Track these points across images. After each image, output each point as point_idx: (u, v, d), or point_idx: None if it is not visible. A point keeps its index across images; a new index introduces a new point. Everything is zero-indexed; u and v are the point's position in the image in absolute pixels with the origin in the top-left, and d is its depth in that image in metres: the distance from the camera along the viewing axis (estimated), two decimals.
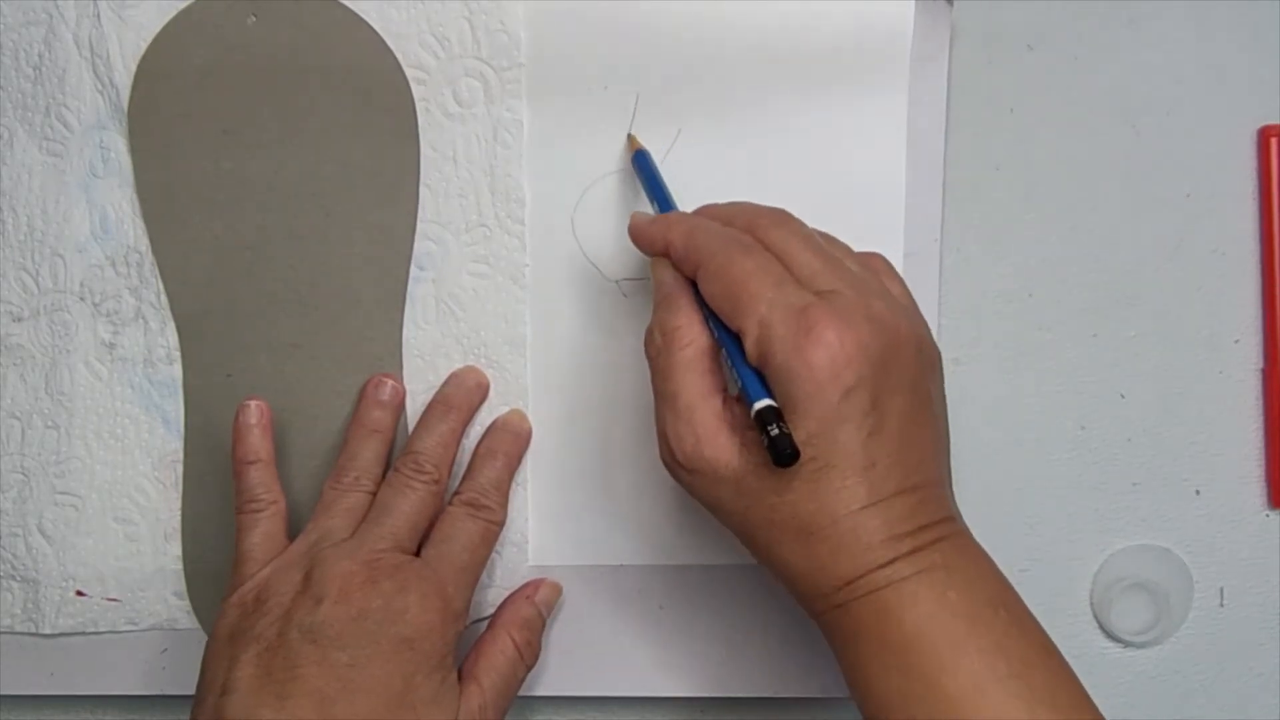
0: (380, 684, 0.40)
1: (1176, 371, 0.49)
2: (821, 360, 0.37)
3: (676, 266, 0.41)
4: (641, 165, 0.47)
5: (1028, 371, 0.49)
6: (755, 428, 0.37)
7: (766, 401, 0.37)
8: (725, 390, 0.40)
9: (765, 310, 0.38)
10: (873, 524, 0.37)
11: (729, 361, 0.39)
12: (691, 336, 0.40)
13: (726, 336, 0.39)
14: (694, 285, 0.41)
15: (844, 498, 0.37)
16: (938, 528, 0.38)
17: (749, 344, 0.38)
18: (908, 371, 0.38)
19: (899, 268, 0.47)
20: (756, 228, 0.41)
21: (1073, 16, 0.49)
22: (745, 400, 0.38)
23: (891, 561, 0.37)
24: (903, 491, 0.37)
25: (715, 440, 0.39)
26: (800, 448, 0.36)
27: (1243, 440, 0.49)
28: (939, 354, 0.41)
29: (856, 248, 0.47)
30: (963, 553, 0.38)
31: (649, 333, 0.41)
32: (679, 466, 0.40)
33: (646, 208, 0.46)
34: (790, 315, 0.37)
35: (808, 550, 0.38)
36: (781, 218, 0.41)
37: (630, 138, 0.48)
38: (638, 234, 0.43)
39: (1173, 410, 0.49)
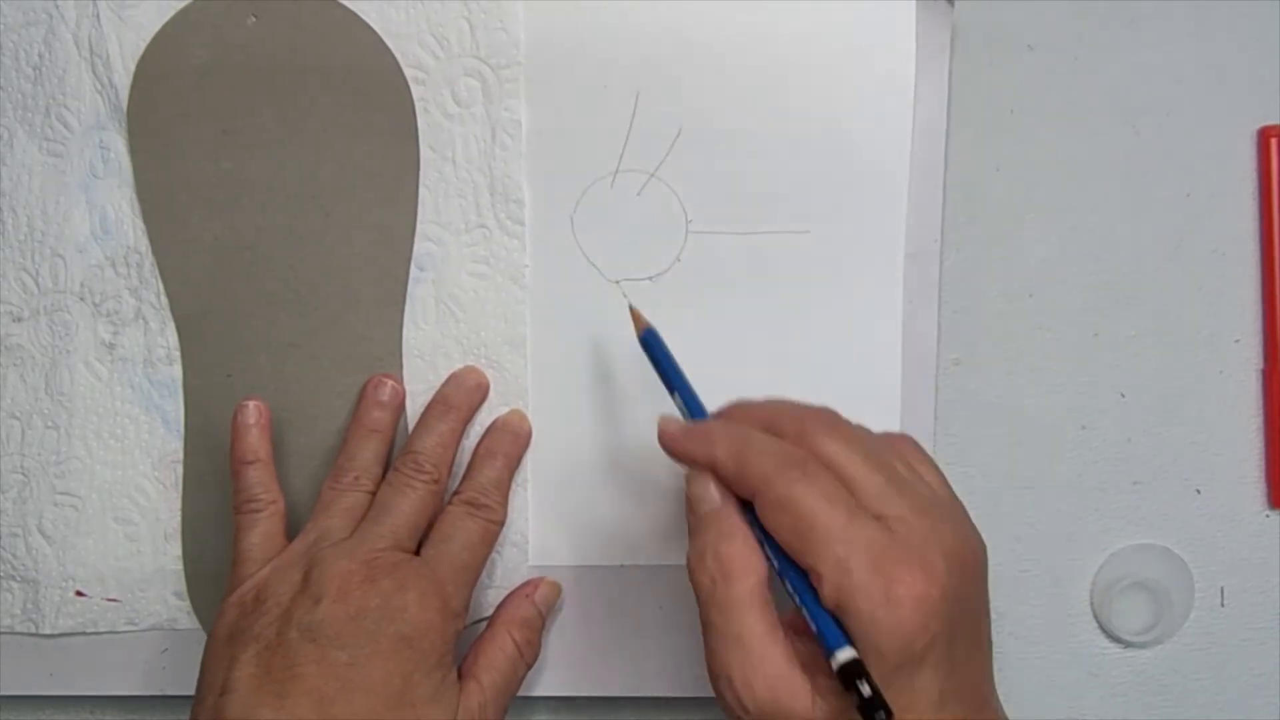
0: (379, 683, 0.40)
1: (1176, 371, 0.49)
2: (908, 613, 0.35)
3: (724, 484, 0.38)
4: (653, 347, 0.44)
5: (1028, 371, 0.49)
6: (828, 671, 0.35)
7: (851, 653, 0.35)
8: (778, 619, 0.38)
9: (842, 551, 0.35)
10: None
11: (795, 597, 0.37)
12: (751, 566, 0.37)
13: (791, 570, 0.37)
14: (742, 504, 0.38)
15: None
16: None
17: (825, 588, 0.36)
18: (976, 600, 0.38)
19: (899, 268, 0.48)
20: (806, 436, 0.38)
21: (1073, 16, 0.49)
22: (821, 644, 0.36)
23: None
24: (968, 718, 0.37)
25: (790, 689, 0.36)
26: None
27: (1243, 440, 0.49)
28: (985, 549, 0.39)
29: (856, 248, 0.48)
30: None
31: (699, 558, 0.38)
32: (745, 713, 0.37)
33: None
34: (870, 560, 0.35)
35: None
36: (830, 421, 0.39)
37: (633, 313, 0.44)
38: (673, 445, 0.40)
39: (1173, 410, 0.49)
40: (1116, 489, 0.49)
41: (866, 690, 0.34)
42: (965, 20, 0.49)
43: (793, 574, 0.37)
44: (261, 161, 0.48)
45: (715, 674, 0.38)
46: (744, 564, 0.37)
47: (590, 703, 0.50)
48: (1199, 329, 0.49)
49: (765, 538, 0.38)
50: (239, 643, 0.41)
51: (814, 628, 0.36)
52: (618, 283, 0.48)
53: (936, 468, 0.41)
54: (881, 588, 0.35)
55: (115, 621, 0.50)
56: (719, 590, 0.37)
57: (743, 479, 0.38)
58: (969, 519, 0.39)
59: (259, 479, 0.46)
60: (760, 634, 0.37)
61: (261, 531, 0.45)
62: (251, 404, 0.47)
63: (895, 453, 0.40)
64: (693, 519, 0.39)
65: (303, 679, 0.40)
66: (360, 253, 0.48)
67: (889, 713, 0.34)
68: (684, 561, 0.48)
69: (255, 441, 0.47)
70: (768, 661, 0.36)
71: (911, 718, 0.35)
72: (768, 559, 0.38)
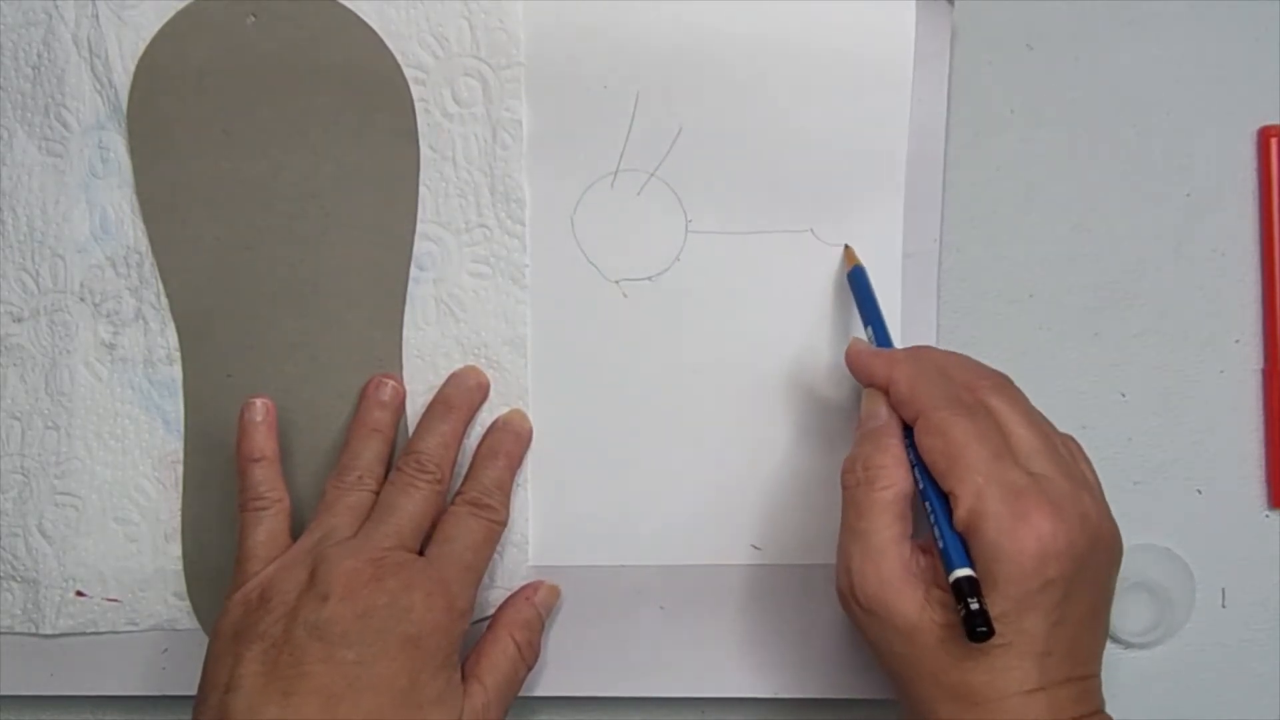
0: (386, 682, 0.40)
1: (1176, 371, 0.49)
2: (1031, 548, 0.37)
3: (893, 406, 0.42)
4: (859, 283, 0.46)
5: (1028, 371, 0.49)
6: (944, 586, 0.38)
7: (968, 572, 0.37)
8: (913, 537, 0.41)
9: (982, 482, 0.38)
10: (1037, 708, 0.37)
11: (931, 516, 0.39)
12: (894, 479, 0.40)
13: (934, 492, 0.40)
14: (904, 428, 0.41)
15: (1015, 678, 0.37)
16: (1092, 719, 0.39)
17: (960, 510, 0.38)
18: (1100, 571, 0.39)
19: (898, 268, 0.48)
20: (979, 389, 0.41)
21: (1073, 16, 0.49)
22: (944, 561, 0.38)
23: None
24: (1070, 680, 0.38)
25: (900, 589, 0.39)
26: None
27: (1243, 440, 0.49)
28: (1123, 549, 0.41)
29: (857, 248, 0.48)
30: None
31: (850, 462, 0.41)
32: (856, 604, 0.40)
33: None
34: (1007, 494, 0.38)
35: (966, 717, 0.38)
36: (1002, 382, 0.42)
37: (847, 249, 0.47)
38: (857, 363, 0.44)
39: (1173, 410, 0.49)
40: (1116, 489, 0.49)
41: (975, 604, 0.36)
42: (965, 20, 0.49)
43: (934, 495, 0.39)
44: (261, 161, 0.48)
45: (839, 566, 0.41)
46: (889, 475, 0.40)
47: (590, 703, 0.50)
48: (1199, 329, 0.49)
49: (917, 462, 0.40)
50: (244, 640, 0.41)
51: (940, 545, 0.39)
52: (618, 283, 0.48)
53: (1094, 470, 0.43)
54: (1011, 519, 0.37)
55: (115, 621, 0.50)
56: (860, 492, 0.41)
57: (912, 402, 0.41)
58: (1113, 518, 0.41)
59: (265, 477, 0.46)
60: (886, 536, 0.40)
61: (267, 529, 0.45)
62: (259, 401, 0.47)
63: (1061, 438, 0.42)
64: (859, 432, 0.42)
65: (310, 677, 0.40)
66: (360, 253, 0.48)
67: (991, 629, 0.36)
68: (684, 562, 0.49)
69: (262, 439, 0.47)
70: (886, 560, 0.39)
71: (1013, 658, 0.37)
72: (916, 481, 0.40)
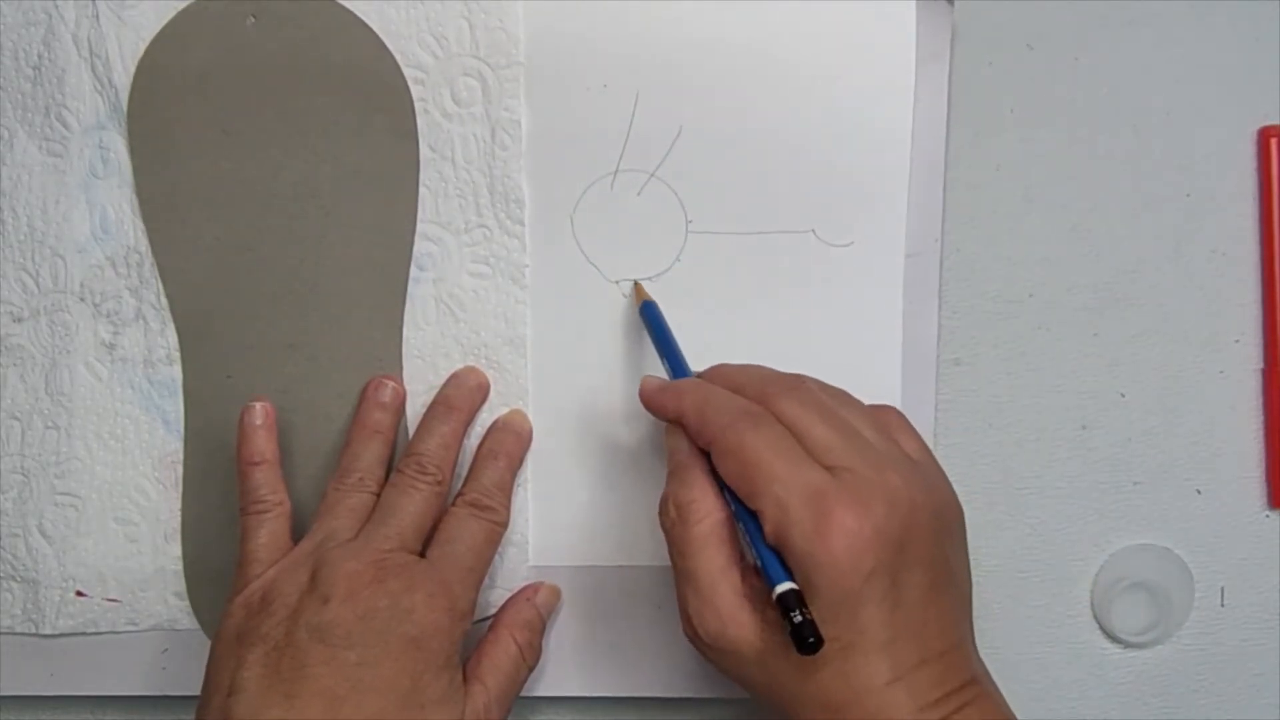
0: (389, 683, 0.41)
1: (1176, 371, 0.49)
2: (840, 547, 0.37)
3: (691, 437, 0.41)
4: (650, 318, 0.46)
5: (1028, 371, 0.49)
6: (776, 606, 0.37)
7: (789, 585, 0.37)
8: (743, 560, 0.40)
9: (780, 492, 0.38)
10: (898, 699, 0.37)
11: (746, 538, 0.39)
12: (706, 510, 0.40)
13: (744, 512, 0.39)
14: (708, 456, 0.41)
15: (868, 675, 0.37)
16: (962, 693, 0.38)
17: (766, 526, 0.38)
18: (925, 545, 0.38)
19: (899, 268, 0.48)
20: (767, 397, 0.40)
21: (1073, 16, 0.49)
22: (765, 579, 0.38)
23: None
24: (924, 662, 0.38)
25: (737, 619, 0.39)
26: (820, 629, 0.36)
27: (1243, 440, 0.49)
28: (959, 511, 0.41)
29: (857, 248, 0.48)
30: (986, 714, 0.38)
31: (663, 503, 0.41)
32: (704, 645, 0.40)
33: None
34: (806, 499, 0.37)
35: None
36: (793, 383, 0.41)
37: (636, 286, 0.48)
38: (649, 401, 0.43)
39: (1173, 410, 0.49)
40: (1116, 489, 0.49)
41: (798, 617, 0.36)
42: (965, 20, 0.49)
43: (745, 517, 0.39)
44: (261, 161, 0.48)
45: (680, 610, 0.41)
46: (699, 508, 0.40)
47: (590, 703, 0.50)
48: (1199, 329, 0.49)
49: (725, 487, 0.40)
50: (246, 643, 0.41)
51: (760, 564, 0.38)
52: (618, 283, 0.48)
53: (919, 438, 0.43)
54: (814, 523, 0.37)
55: (115, 622, 0.50)
56: (676, 532, 0.41)
57: (702, 429, 0.41)
58: (943, 481, 0.41)
59: (265, 480, 0.46)
60: (712, 570, 0.40)
61: (268, 532, 0.45)
62: (258, 405, 0.47)
63: (871, 420, 0.41)
64: (667, 472, 0.42)
65: (313, 679, 0.40)
66: (360, 253, 0.48)
67: (819, 639, 0.36)
68: None
69: (262, 442, 0.47)
70: (717, 595, 0.39)
71: (859, 656, 0.37)
72: (729, 505, 0.40)
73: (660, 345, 0.46)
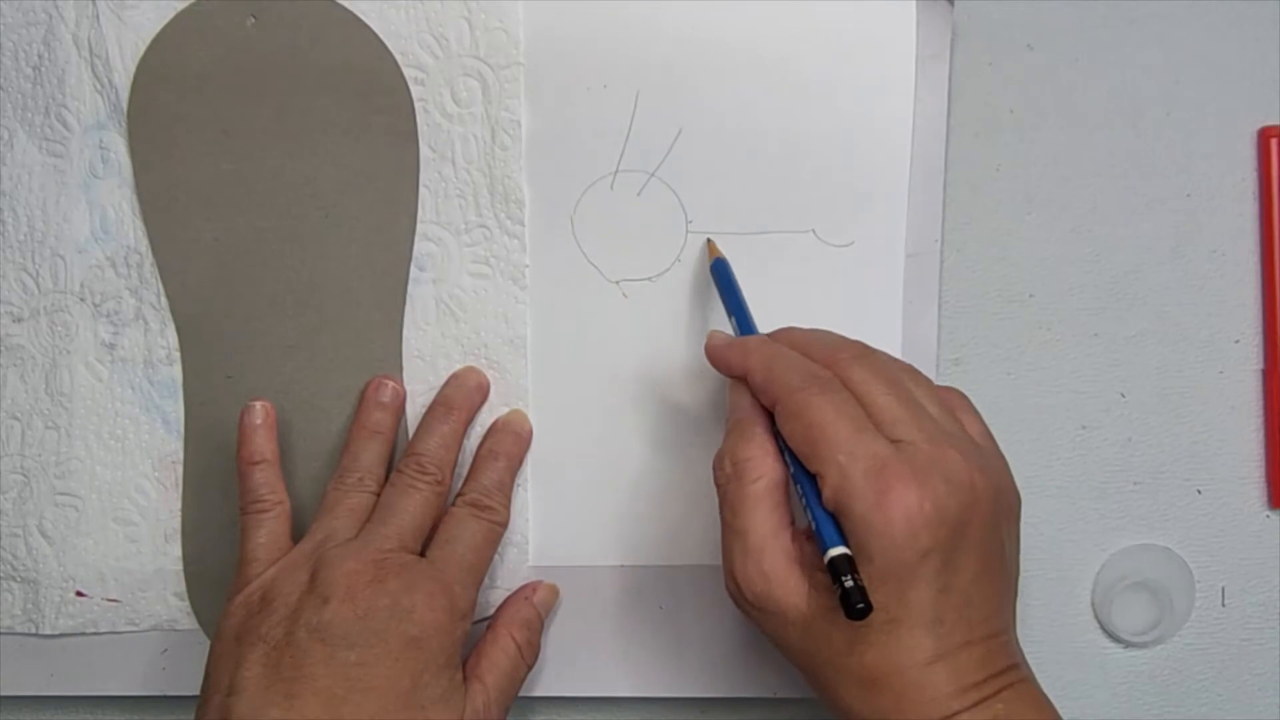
0: (388, 683, 0.40)
1: (1176, 371, 0.49)
2: (899, 520, 0.36)
3: (754, 395, 0.41)
4: (721, 275, 0.46)
5: (1028, 371, 0.49)
6: (826, 570, 0.37)
7: (841, 550, 0.37)
8: (794, 524, 0.40)
9: (844, 459, 0.37)
10: (938, 678, 0.37)
11: (803, 500, 0.39)
12: (763, 469, 0.40)
13: (803, 474, 0.39)
14: (770, 415, 0.41)
15: (911, 651, 0.37)
16: (1002, 677, 0.38)
17: (826, 490, 0.38)
18: (982, 529, 0.38)
19: (899, 268, 0.48)
20: (837, 363, 0.40)
21: (1073, 16, 0.49)
22: (819, 543, 0.38)
23: (956, 714, 0.37)
24: (969, 644, 0.37)
25: (785, 582, 0.39)
26: (870, 596, 0.36)
27: (1243, 440, 0.49)
28: (1018, 497, 0.41)
29: (857, 248, 0.48)
30: (1026, 700, 0.38)
31: (719, 458, 0.41)
32: (747, 604, 0.40)
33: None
34: (870, 468, 0.37)
35: (872, 699, 0.38)
36: (862, 351, 0.41)
37: (709, 243, 0.47)
38: (715, 356, 0.43)
39: (1173, 410, 0.49)
40: (1116, 489, 0.49)
41: (849, 582, 0.36)
42: (965, 20, 0.49)
43: (804, 479, 0.39)
44: (261, 162, 0.48)
45: (724, 567, 0.40)
46: (757, 466, 0.40)
47: (590, 703, 0.50)
48: (1199, 329, 0.49)
49: (785, 448, 0.40)
50: (246, 643, 0.41)
51: (815, 527, 0.38)
52: (618, 283, 0.48)
53: (982, 421, 0.42)
54: (875, 494, 0.37)
55: (115, 622, 0.50)
56: (731, 488, 0.40)
57: (768, 388, 0.40)
58: (1003, 466, 0.41)
59: (265, 480, 0.46)
60: (763, 530, 0.39)
61: (268, 532, 0.45)
62: (258, 405, 0.47)
63: (934, 397, 0.41)
64: (726, 427, 0.42)
65: (312, 679, 0.40)
66: (360, 253, 0.48)
67: (869, 605, 0.36)
68: (684, 562, 0.49)
69: (262, 442, 0.47)
70: (767, 555, 0.39)
71: (904, 632, 0.37)
72: (788, 467, 0.40)
73: (729, 302, 0.45)
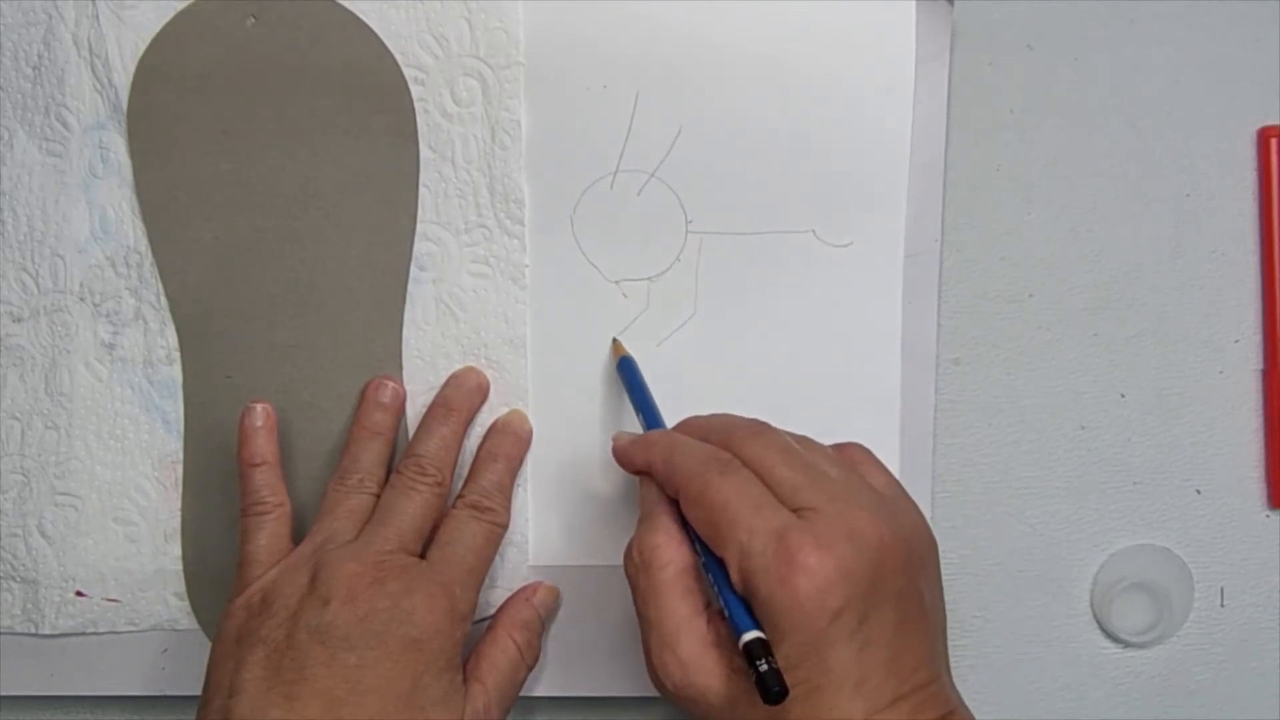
0: (389, 684, 0.41)
1: (1176, 371, 0.49)
2: (805, 589, 0.36)
3: (660, 487, 0.41)
4: (626, 373, 0.47)
5: (1028, 371, 0.49)
6: (742, 654, 0.37)
7: (754, 634, 0.37)
8: (709, 606, 0.40)
9: (745, 538, 0.37)
10: None
11: (714, 587, 0.39)
12: (670, 556, 0.40)
13: (711, 560, 0.39)
14: (677, 505, 0.41)
15: (839, 715, 0.36)
16: None
17: (732, 572, 0.38)
18: (895, 581, 0.38)
19: (899, 268, 0.48)
20: (733, 442, 0.40)
21: (1073, 16, 0.49)
22: (731, 628, 0.38)
23: None
24: (899, 699, 0.37)
25: (703, 667, 0.38)
26: (788, 673, 0.36)
27: (1243, 440, 0.49)
28: (933, 543, 0.41)
29: (857, 248, 0.48)
30: None
31: (628, 551, 0.41)
32: (668, 693, 0.39)
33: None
34: (770, 542, 0.37)
35: None
36: (757, 429, 0.41)
37: (615, 343, 0.48)
38: (620, 455, 0.43)
39: (1173, 410, 0.49)
40: (1116, 489, 0.49)
41: (763, 666, 0.36)
42: (965, 20, 0.49)
43: (712, 564, 0.39)
44: (261, 162, 0.48)
45: (644, 656, 0.40)
46: (664, 553, 0.40)
47: (590, 703, 0.50)
48: (1199, 329, 0.49)
49: (695, 537, 0.40)
50: (247, 645, 0.41)
51: (725, 614, 0.38)
52: (618, 283, 0.48)
53: (887, 471, 0.43)
54: (777, 567, 0.37)
55: (115, 622, 0.50)
56: (641, 578, 0.40)
57: (670, 477, 0.40)
58: (913, 512, 0.41)
59: (266, 481, 0.46)
60: (676, 617, 0.39)
61: (269, 534, 0.45)
62: (259, 406, 0.47)
63: (833, 459, 0.41)
64: (637, 520, 0.42)
65: (312, 680, 0.40)
66: (360, 253, 0.48)
67: (784, 689, 0.35)
68: None
69: (262, 444, 0.47)
70: (682, 642, 0.39)
71: (828, 697, 0.36)
72: (697, 555, 0.40)
73: (636, 399, 0.46)
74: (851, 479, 0.40)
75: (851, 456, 0.42)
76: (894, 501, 0.41)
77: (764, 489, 0.39)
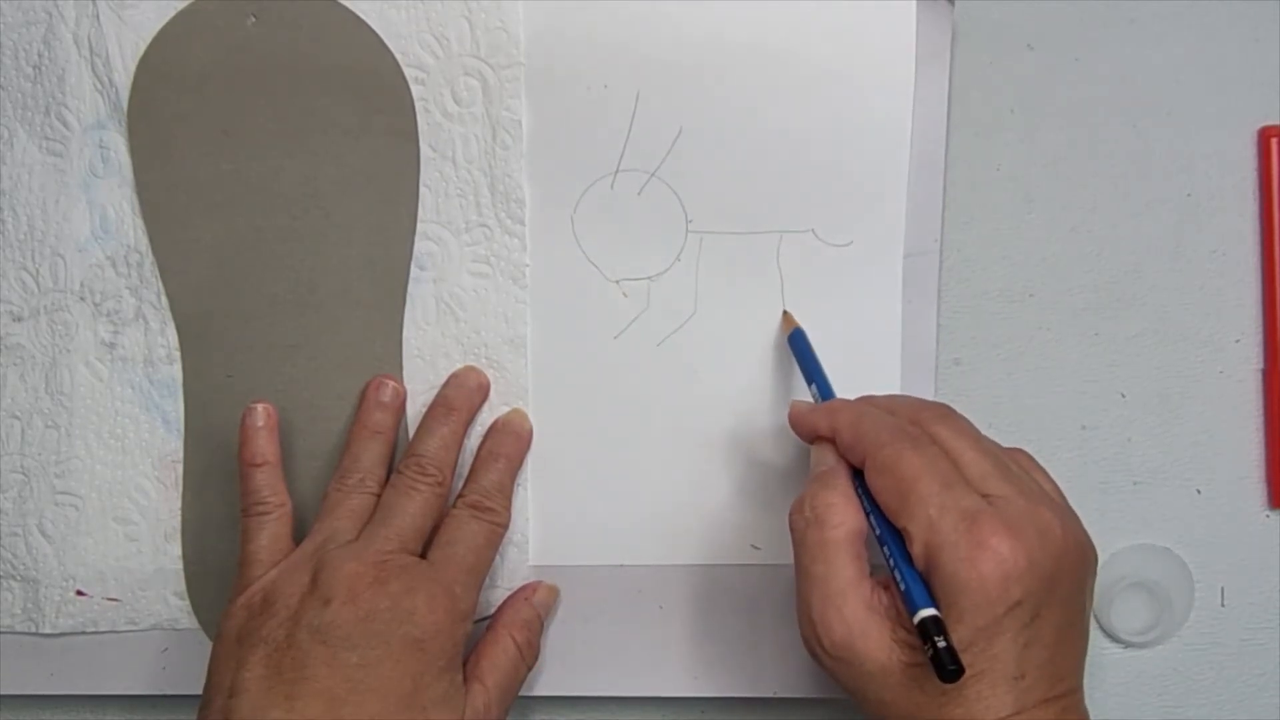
0: (390, 684, 0.41)
1: (1176, 371, 0.49)
2: (992, 573, 0.36)
3: (841, 454, 0.41)
4: (798, 345, 0.46)
5: (1028, 371, 0.49)
6: (907, 625, 0.37)
7: (932, 612, 0.36)
8: (871, 574, 0.40)
9: (935, 513, 0.37)
10: None
11: (890, 559, 0.39)
12: (845, 517, 0.40)
13: (889, 532, 0.39)
14: (853, 470, 0.41)
15: (990, 706, 0.36)
16: None
17: (915, 546, 0.38)
18: (1068, 584, 0.38)
19: (899, 268, 0.48)
20: (922, 421, 0.40)
21: (1073, 16, 0.49)
22: (906, 602, 0.37)
23: None
24: (1046, 701, 0.37)
25: (866, 631, 0.38)
26: (961, 660, 0.35)
27: (1243, 440, 0.49)
28: (1095, 554, 0.41)
29: (856, 247, 0.48)
30: None
31: (798, 505, 0.41)
32: (823, 651, 0.39)
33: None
34: (961, 521, 0.37)
35: None
36: (946, 412, 0.41)
37: (785, 315, 0.47)
38: (799, 422, 0.43)
39: (1173, 410, 0.49)
40: (1116, 489, 0.49)
41: (942, 643, 0.35)
42: (965, 20, 0.49)
43: (889, 535, 0.39)
44: (261, 162, 0.48)
45: (800, 614, 0.40)
46: (839, 513, 0.40)
47: (590, 703, 0.50)
48: (1199, 329, 0.49)
49: (870, 504, 0.40)
50: (248, 645, 0.41)
51: (902, 587, 0.38)
52: (618, 283, 0.48)
53: (1051, 478, 0.42)
54: (967, 547, 0.36)
55: (115, 621, 0.50)
56: (811, 533, 0.40)
57: (857, 444, 0.40)
58: (1080, 524, 0.40)
59: (267, 481, 0.46)
60: (844, 578, 0.39)
61: (269, 534, 0.45)
62: (260, 406, 0.47)
63: (1010, 456, 0.41)
64: (809, 479, 0.42)
65: (313, 680, 0.40)
66: (360, 253, 0.48)
67: (961, 667, 0.35)
68: (684, 562, 0.49)
69: (264, 444, 0.47)
70: (848, 604, 0.38)
71: (986, 686, 0.36)
72: (869, 523, 0.40)
73: (809, 371, 0.46)
74: (1031, 477, 0.40)
75: (1020, 459, 0.42)
76: (1067, 509, 0.41)
77: (954, 468, 0.39)
